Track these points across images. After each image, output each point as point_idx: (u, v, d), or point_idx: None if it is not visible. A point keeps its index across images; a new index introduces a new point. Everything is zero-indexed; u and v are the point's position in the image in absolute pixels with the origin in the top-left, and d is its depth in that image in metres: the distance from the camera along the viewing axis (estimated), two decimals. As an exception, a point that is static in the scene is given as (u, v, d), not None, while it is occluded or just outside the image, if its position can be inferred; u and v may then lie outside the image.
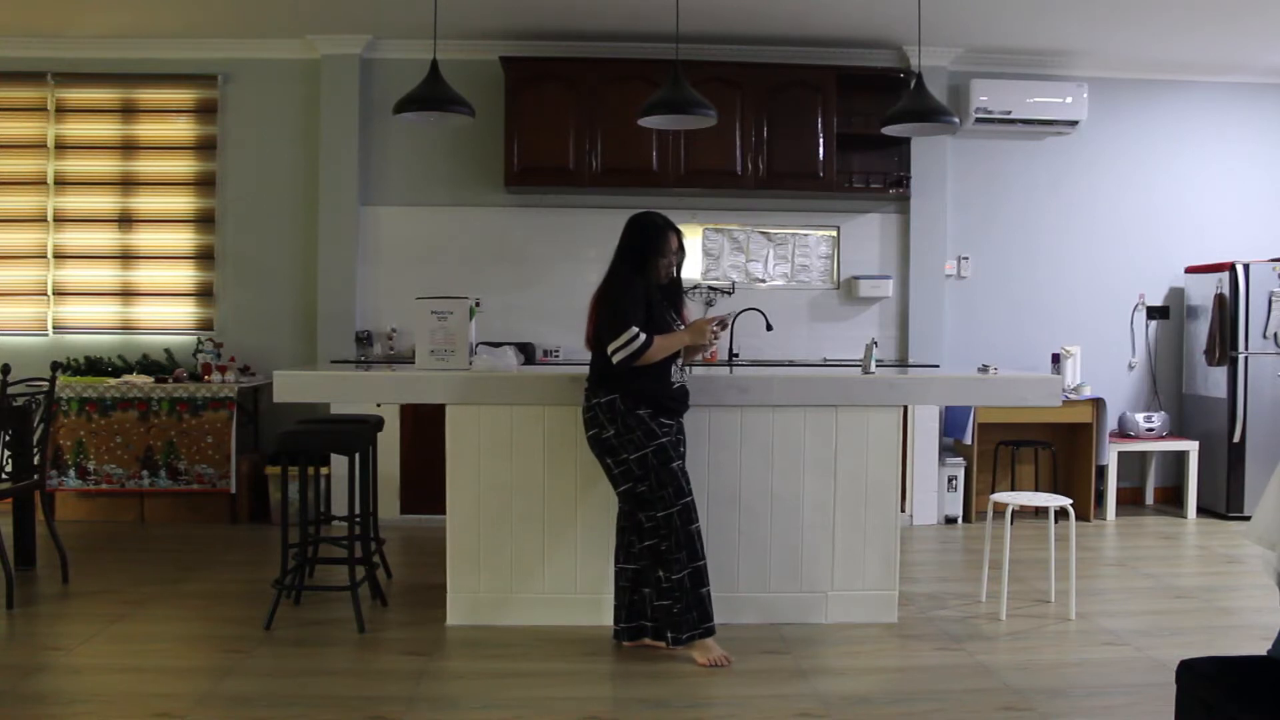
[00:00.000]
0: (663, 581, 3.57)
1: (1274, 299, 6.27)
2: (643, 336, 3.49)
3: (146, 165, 6.43)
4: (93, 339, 6.41)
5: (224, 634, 3.88)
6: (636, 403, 3.53)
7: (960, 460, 6.22)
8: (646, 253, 3.65)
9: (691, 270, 6.48)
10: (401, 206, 6.43)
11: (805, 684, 3.40)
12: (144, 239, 6.44)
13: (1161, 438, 6.50)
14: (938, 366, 6.24)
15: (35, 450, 4.62)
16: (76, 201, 6.43)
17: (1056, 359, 6.31)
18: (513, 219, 6.44)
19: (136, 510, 5.99)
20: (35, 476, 4.61)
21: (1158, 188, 6.78)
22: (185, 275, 6.47)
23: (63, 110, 6.40)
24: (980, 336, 6.62)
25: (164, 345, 6.35)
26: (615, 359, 3.51)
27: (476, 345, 4.27)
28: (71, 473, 5.86)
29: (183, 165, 6.44)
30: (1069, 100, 6.39)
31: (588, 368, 3.71)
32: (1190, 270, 6.75)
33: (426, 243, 6.42)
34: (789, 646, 3.77)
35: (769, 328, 6.22)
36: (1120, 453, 6.43)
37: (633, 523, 3.65)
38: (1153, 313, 6.83)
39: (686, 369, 3.77)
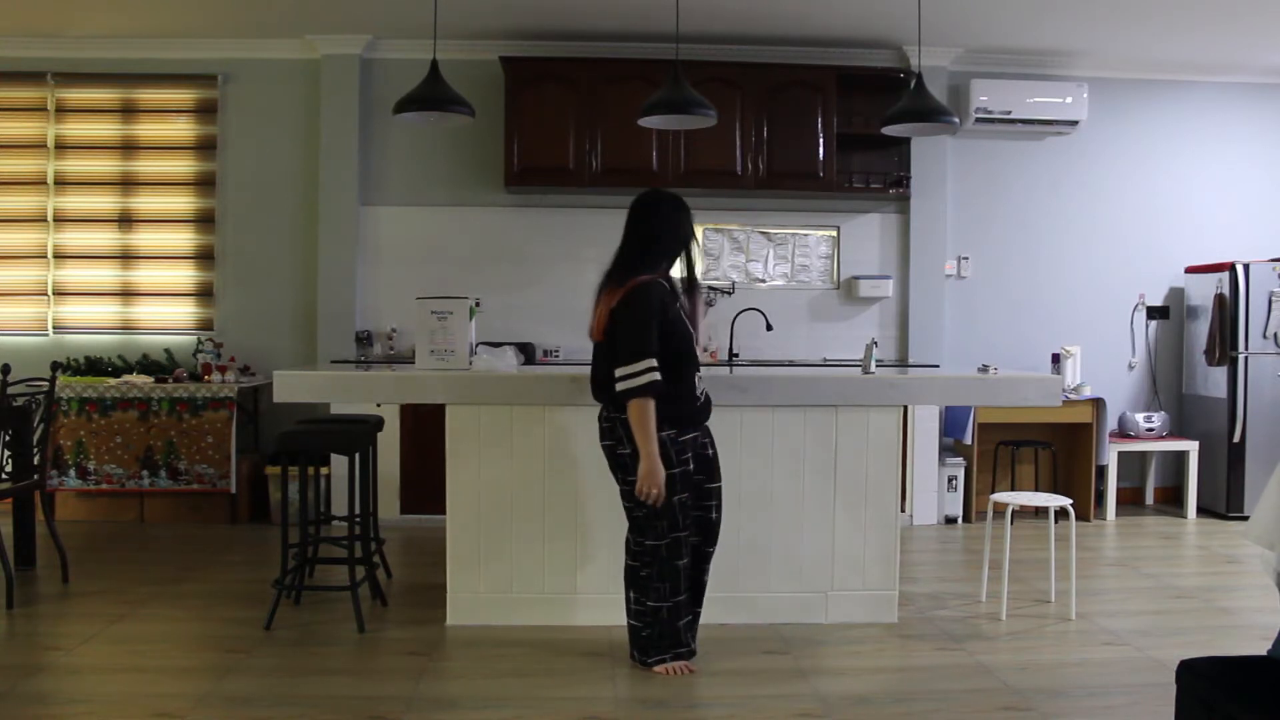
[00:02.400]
0: (634, 603, 3.51)
1: (1274, 299, 6.27)
2: (655, 377, 3.27)
3: (146, 165, 6.43)
4: (93, 339, 6.42)
5: (224, 634, 3.89)
6: (660, 424, 3.32)
7: (960, 460, 6.22)
8: (680, 242, 3.48)
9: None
10: (401, 206, 6.42)
11: (805, 684, 3.40)
12: (144, 239, 6.44)
13: (1161, 438, 6.50)
14: (938, 366, 6.24)
15: (35, 450, 4.62)
16: (76, 201, 6.43)
17: (1056, 359, 6.31)
18: (513, 219, 6.44)
19: (136, 510, 5.98)
20: (35, 476, 4.61)
21: (1158, 188, 6.79)
22: (185, 275, 6.47)
23: (63, 110, 6.40)
24: (980, 336, 6.63)
25: (164, 345, 6.35)
26: (618, 386, 3.31)
27: (476, 345, 4.27)
28: (71, 473, 5.86)
29: (183, 165, 6.44)
30: (1069, 100, 6.39)
31: (590, 367, 3.58)
32: (1190, 270, 6.75)
33: (426, 243, 6.42)
34: (789, 646, 3.77)
35: (769, 328, 6.22)
36: (1120, 453, 6.43)
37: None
38: (1153, 313, 6.83)
39: (701, 379, 3.58)
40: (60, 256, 6.44)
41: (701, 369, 3.58)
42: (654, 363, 3.28)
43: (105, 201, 6.43)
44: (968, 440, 6.18)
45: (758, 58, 6.29)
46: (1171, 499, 6.82)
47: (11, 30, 6.15)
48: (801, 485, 4.02)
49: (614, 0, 5.62)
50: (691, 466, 3.47)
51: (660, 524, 3.42)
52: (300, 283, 6.44)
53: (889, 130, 4.75)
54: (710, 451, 3.60)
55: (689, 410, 3.45)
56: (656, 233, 3.47)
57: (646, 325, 3.31)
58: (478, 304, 5.67)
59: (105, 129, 6.42)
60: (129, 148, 6.43)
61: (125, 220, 6.44)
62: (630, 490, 3.43)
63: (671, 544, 3.44)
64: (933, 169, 6.47)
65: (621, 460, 3.44)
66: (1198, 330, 6.63)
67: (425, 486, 5.71)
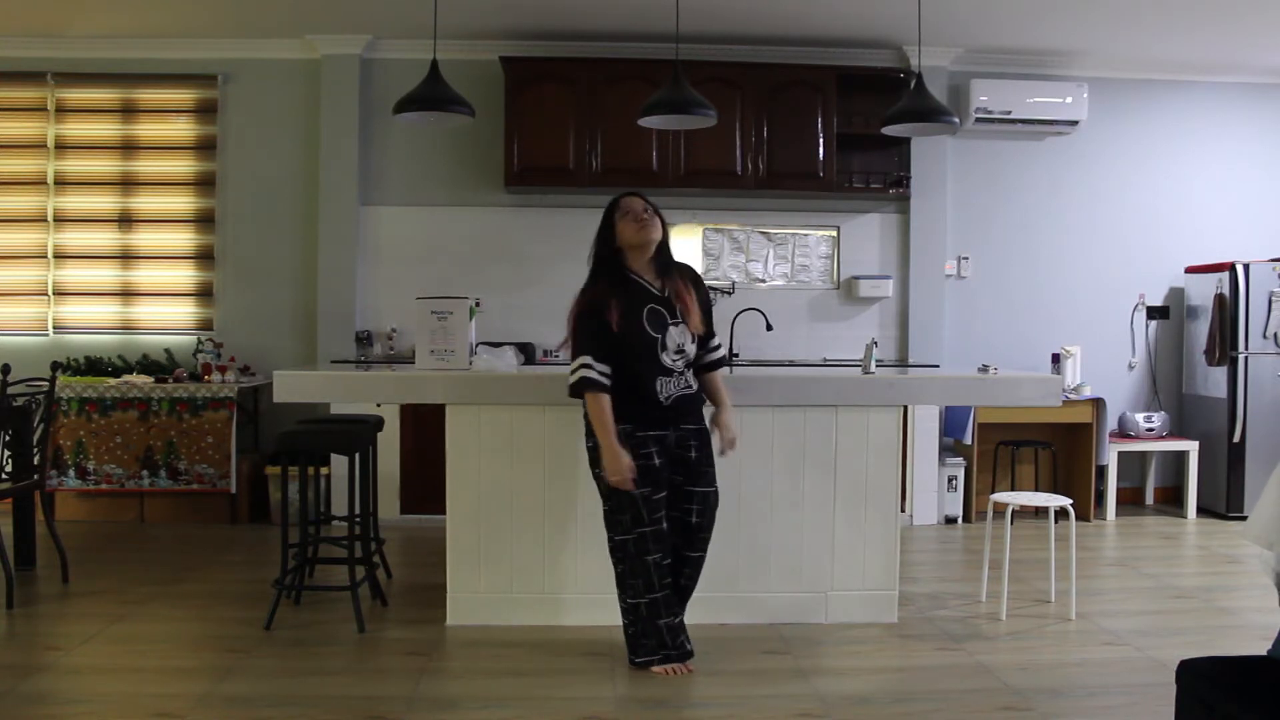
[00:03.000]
0: (620, 602, 3.56)
1: (1274, 299, 6.27)
2: (586, 374, 3.36)
3: (146, 165, 6.43)
4: (93, 339, 6.42)
5: (224, 634, 3.88)
6: (618, 418, 3.39)
7: (960, 460, 6.22)
8: (607, 231, 3.50)
9: (691, 270, 6.49)
10: (401, 206, 6.42)
11: (805, 684, 3.40)
12: (144, 239, 6.44)
13: (1161, 438, 6.50)
14: (938, 366, 6.24)
15: (35, 450, 4.62)
16: (76, 201, 6.43)
17: (1056, 359, 6.31)
18: (513, 219, 6.44)
19: (136, 510, 5.98)
20: (35, 476, 4.61)
21: (1158, 188, 6.78)
22: (185, 275, 6.47)
23: (63, 110, 6.40)
24: (980, 336, 6.63)
25: (164, 345, 6.35)
26: (570, 381, 3.46)
27: (476, 345, 4.27)
28: (71, 473, 5.86)
29: (183, 165, 6.44)
30: (1069, 100, 6.38)
31: None
32: (1190, 270, 6.75)
33: (426, 243, 6.42)
34: (789, 646, 3.77)
35: (769, 328, 6.22)
36: (1120, 453, 6.43)
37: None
38: (1153, 313, 6.83)
39: (678, 382, 3.51)
40: (60, 256, 6.44)
41: (677, 370, 3.49)
42: (587, 359, 3.38)
43: (105, 201, 6.43)
44: (968, 440, 6.18)
45: (758, 58, 6.29)
46: (1171, 499, 6.81)
47: (11, 30, 6.15)
48: (801, 485, 4.02)
49: (614, 0, 5.62)
50: (657, 462, 3.45)
51: (623, 518, 3.45)
52: (300, 283, 6.44)
53: (889, 130, 4.75)
54: (693, 454, 3.56)
55: (645, 410, 3.45)
56: (594, 241, 3.55)
57: (577, 331, 3.44)
58: (478, 304, 5.67)
59: (105, 129, 6.42)
60: (129, 148, 6.43)
61: (125, 220, 6.44)
62: (598, 487, 3.52)
63: (638, 539, 3.44)
64: (933, 169, 6.47)
65: (589, 454, 3.54)
66: (1198, 330, 6.63)
67: (425, 486, 5.71)
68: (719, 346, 3.72)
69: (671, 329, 3.48)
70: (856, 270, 6.54)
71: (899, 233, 6.55)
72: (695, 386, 3.59)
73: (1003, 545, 4.19)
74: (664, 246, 3.56)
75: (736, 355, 6.35)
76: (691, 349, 3.54)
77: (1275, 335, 6.26)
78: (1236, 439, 6.28)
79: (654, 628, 3.48)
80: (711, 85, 5.75)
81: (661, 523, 3.46)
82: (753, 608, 4.02)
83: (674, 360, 3.48)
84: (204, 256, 6.46)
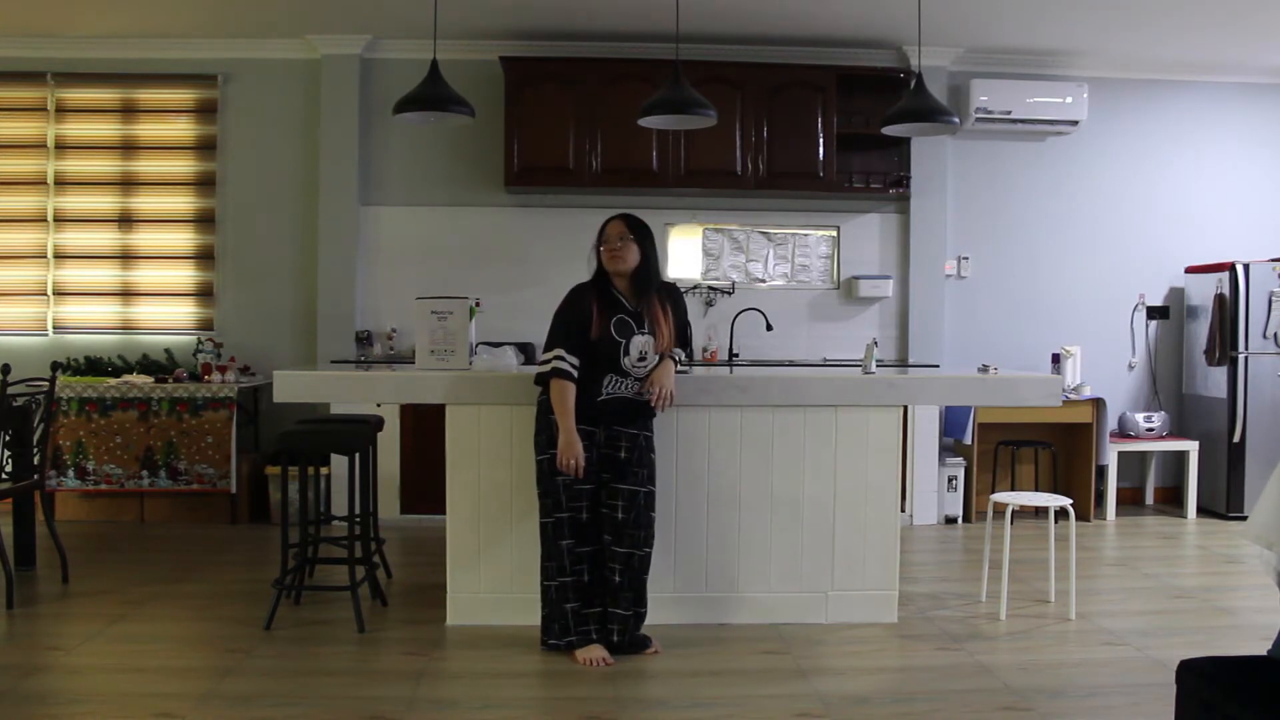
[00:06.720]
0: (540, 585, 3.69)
1: (1274, 299, 6.27)
2: (558, 365, 3.53)
3: (146, 165, 6.43)
4: (93, 339, 6.41)
5: (224, 634, 3.89)
6: (550, 410, 3.57)
7: (960, 460, 6.22)
8: (596, 252, 3.70)
9: (691, 270, 6.49)
10: (401, 206, 6.42)
11: (805, 684, 3.40)
12: (144, 239, 6.44)
13: (1161, 438, 6.50)
14: (938, 366, 6.24)
15: (35, 450, 4.61)
16: (76, 201, 6.43)
17: (1056, 359, 6.30)
18: (513, 219, 6.44)
19: (136, 510, 5.98)
20: (35, 476, 4.61)
21: (1158, 188, 6.78)
22: (185, 275, 6.47)
23: (63, 110, 6.40)
24: (980, 336, 6.62)
25: (164, 345, 6.35)
26: (541, 371, 3.63)
27: (476, 345, 4.27)
28: (71, 473, 5.86)
29: (183, 165, 6.44)
30: (1069, 100, 6.39)
31: None
32: (1190, 270, 6.75)
33: (426, 243, 6.42)
34: (789, 646, 3.77)
35: (769, 328, 6.23)
36: (1120, 453, 6.43)
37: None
38: (1153, 313, 6.83)
39: (628, 385, 3.61)
40: (60, 256, 6.44)
41: (635, 375, 3.61)
42: (560, 351, 3.55)
43: (105, 201, 6.43)
44: (968, 440, 6.18)
45: (758, 58, 6.29)
46: (1171, 499, 6.82)
47: (11, 30, 6.15)
48: (801, 485, 4.02)
49: (614, 0, 5.62)
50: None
51: (547, 502, 3.62)
52: (300, 283, 6.44)
53: (889, 130, 4.75)
54: (622, 454, 3.64)
55: (580, 407, 3.56)
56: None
57: (555, 325, 3.64)
58: (478, 304, 5.68)
59: (105, 129, 6.42)
60: (129, 148, 6.43)
61: (125, 220, 6.44)
62: (537, 468, 3.66)
63: (555, 524, 3.60)
64: (933, 169, 6.47)
65: (535, 441, 3.68)
66: (1198, 330, 6.63)
67: (425, 486, 5.71)
68: (679, 352, 3.75)
69: (637, 337, 3.62)
70: (856, 270, 6.54)
71: (899, 233, 6.55)
72: (643, 397, 3.64)
73: (1002, 545, 4.19)
74: (642, 271, 3.67)
75: (737, 355, 6.36)
76: (654, 358, 3.66)
77: (1275, 335, 6.26)
78: (1236, 439, 6.28)
79: (560, 611, 3.61)
80: (711, 85, 5.74)
81: (581, 513, 3.61)
82: (753, 608, 4.02)
83: (635, 365, 3.62)
84: (204, 256, 6.46)
